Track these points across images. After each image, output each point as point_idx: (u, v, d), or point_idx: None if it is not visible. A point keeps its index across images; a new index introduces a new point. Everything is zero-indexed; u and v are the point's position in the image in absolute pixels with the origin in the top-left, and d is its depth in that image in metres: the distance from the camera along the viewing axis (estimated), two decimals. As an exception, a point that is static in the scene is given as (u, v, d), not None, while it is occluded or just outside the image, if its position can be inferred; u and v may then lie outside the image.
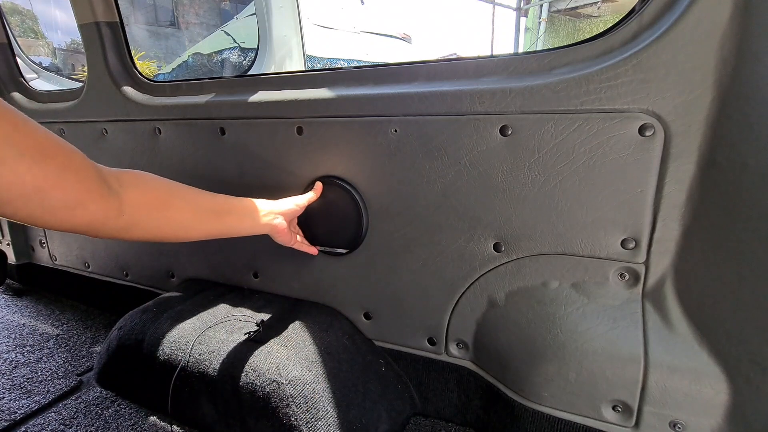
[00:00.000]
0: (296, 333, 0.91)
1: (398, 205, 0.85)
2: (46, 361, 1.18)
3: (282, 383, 0.79)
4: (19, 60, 1.53)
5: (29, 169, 0.43)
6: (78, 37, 1.18)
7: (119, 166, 0.59)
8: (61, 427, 0.92)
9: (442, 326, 0.88)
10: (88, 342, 1.29)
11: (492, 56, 0.74)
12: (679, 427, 0.66)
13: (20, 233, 1.62)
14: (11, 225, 1.60)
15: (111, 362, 1.03)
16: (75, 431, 0.91)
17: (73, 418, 0.95)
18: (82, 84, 1.24)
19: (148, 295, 1.31)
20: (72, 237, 1.47)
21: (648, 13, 0.61)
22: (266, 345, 0.86)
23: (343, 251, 0.94)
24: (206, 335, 0.91)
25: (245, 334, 0.90)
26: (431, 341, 0.90)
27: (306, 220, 0.95)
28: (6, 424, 0.92)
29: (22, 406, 0.98)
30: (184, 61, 7.12)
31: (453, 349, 0.88)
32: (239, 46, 6.19)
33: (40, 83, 1.75)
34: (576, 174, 0.69)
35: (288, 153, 0.94)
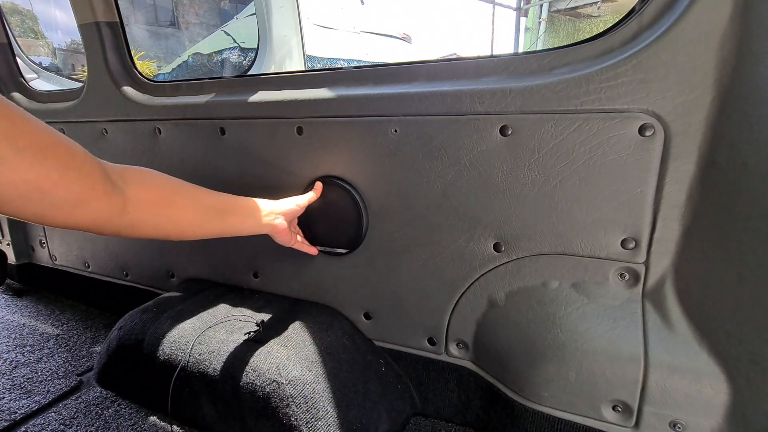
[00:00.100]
0: (296, 333, 0.91)
1: (398, 205, 0.85)
2: (46, 361, 1.17)
3: (282, 383, 0.79)
4: (19, 60, 1.53)
5: (31, 166, 0.41)
6: (78, 37, 1.18)
7: None
8: (61, 427, 0.92)
9: (442, 326, 0.88)
10: (88, 342, 1.29)
11: (492, 56, 0.74)
12: (679, 427, 0.66)
13: (20, 233, 1.62)
14: (11, 225, 1.60)
15: (111, 362, 1.03)
16: (75, 431, 0.91)
17: (73, 418, 0.95)
18: (82, 84, 1.24)
19: (148, 295, 1.31)
20: (72, 237, 1.47)
21: (648, 13, 0.61)
22: (266, 345, 0.86)
23: (343, 251, 0.94)
24: (206, 335, 0.91)
25: (245, 334, 0.90)
26: (431, 341, 0.90)
27: (306, 220, 0.95)
28: (6, 424, 0.92)
29: (22, 406, 0.98)
30: (184, 61, 7.11)
31: (453, 349, 0.88)
32: (239, 46, 6.18)
33: (40, 83, 1.75)
34: (576, 174, 0.69)
35: (288, 153, 0.94)
